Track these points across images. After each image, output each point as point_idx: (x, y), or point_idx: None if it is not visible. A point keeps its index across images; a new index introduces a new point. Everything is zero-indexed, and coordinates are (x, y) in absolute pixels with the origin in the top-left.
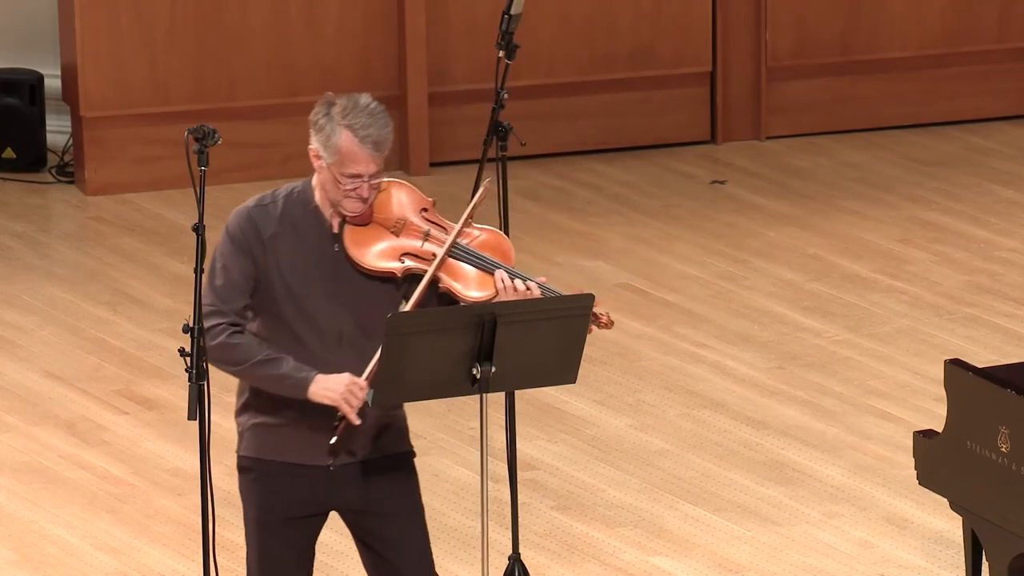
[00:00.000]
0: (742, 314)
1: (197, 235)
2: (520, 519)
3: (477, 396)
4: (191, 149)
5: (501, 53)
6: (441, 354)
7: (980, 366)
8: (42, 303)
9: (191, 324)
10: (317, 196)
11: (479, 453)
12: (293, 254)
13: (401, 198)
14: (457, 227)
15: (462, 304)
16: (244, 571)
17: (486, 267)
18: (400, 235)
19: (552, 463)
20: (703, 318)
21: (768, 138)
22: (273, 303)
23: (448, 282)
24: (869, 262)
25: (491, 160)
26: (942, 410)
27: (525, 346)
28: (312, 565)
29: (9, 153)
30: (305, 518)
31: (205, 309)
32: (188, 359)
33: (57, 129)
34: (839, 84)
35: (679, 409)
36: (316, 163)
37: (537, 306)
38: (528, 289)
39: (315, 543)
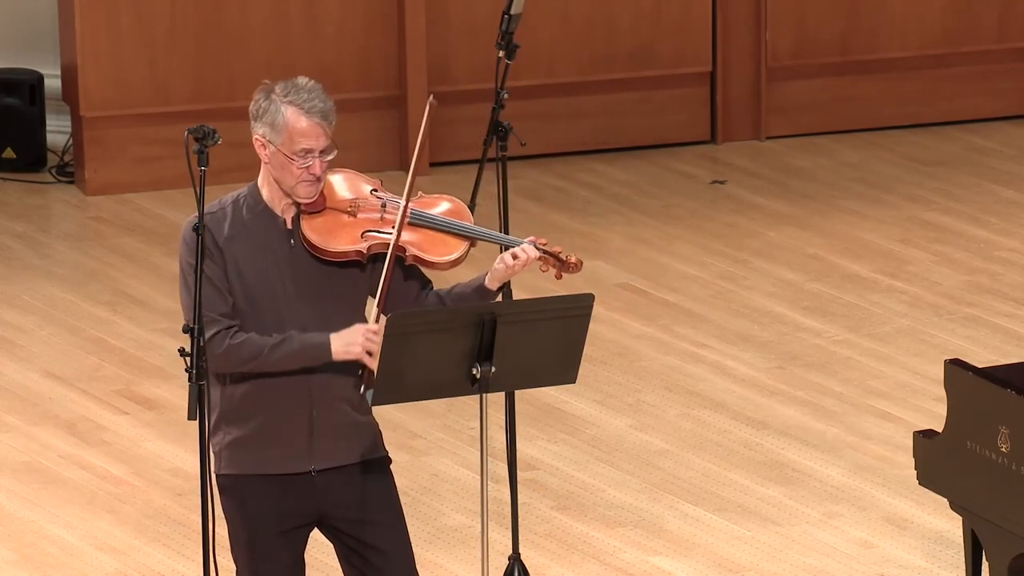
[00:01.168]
0: (742, 314)
1: (197, 235)
2: (520, 519)
3: (477, 396)
4: (191, 149)
5: (501, 53)
6: (441, 354)
7: (980, 366)
8: (42, 303)
9: (191, 324)
10: (265, 195)
11: (479, 453)
12: (249, 257)
13: (349, 181)
14: (406, 191)
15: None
16: None
17: (449, 229)
18: (357, 215)
19: (552, 463)
20: (703, 318)
21: (768, 138)
22: (240, 314)
23: (413, 251)
24: (869, 262)
25: (491, 160)
26: (942, 410)
27: (525, 346)
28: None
29: (9, 153)
30: (294, 529)
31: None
32: (188, 359)
33: (57, 129)
34: (839, 84)
35: (679, 409)
36: (263, 153)
37: (537, 306)
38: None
39: (304, 553)
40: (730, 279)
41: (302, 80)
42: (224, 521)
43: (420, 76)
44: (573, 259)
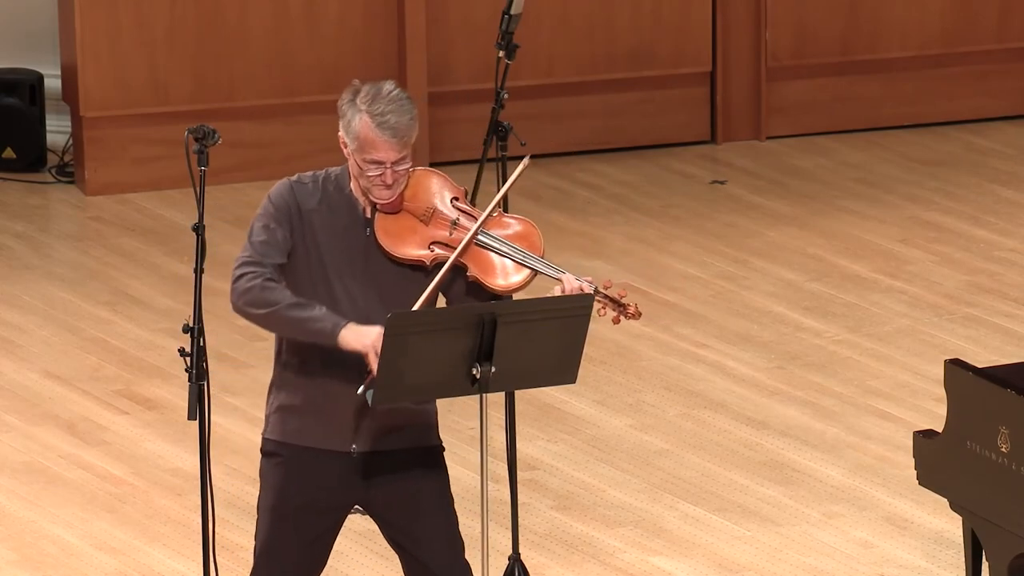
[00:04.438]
0: (742, 314)
1: (197, 235)
2: (520, 519)
3: (477, 396)
4: (191, 149)
5: (501, 53)
6: (441, 354)
7: (980, 366)
8: (42, 303)
9: (191, 324)
10: (351, 182)
11: (479, 453)
12: (327, 233)
13: (432, 186)
14: (483, 216)
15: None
16: (245, 572)
17: (514, 257)
18: (429, 224)
19: (552, 463)
20: (703, 318)
21: (768, 138)
22: (303, 282)
23: (475, 271)
24: (869, 262)
25: (491, 160)
26: (942, 410)
27: (525, 346)
28: (322, 564)
29: (9, 153)
30: (323, 510)
31: (241, 259)
32: (188, 359)
33: (57, 129)
34: (839, 84)
35: (679, 409)
36: (344, 151)
37: (537, 306)
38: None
39: (330, 542)
40: (730, 279)
41: (387, 87)
42: (225, 521)
43: (420, 76)
44: (632, 308)
